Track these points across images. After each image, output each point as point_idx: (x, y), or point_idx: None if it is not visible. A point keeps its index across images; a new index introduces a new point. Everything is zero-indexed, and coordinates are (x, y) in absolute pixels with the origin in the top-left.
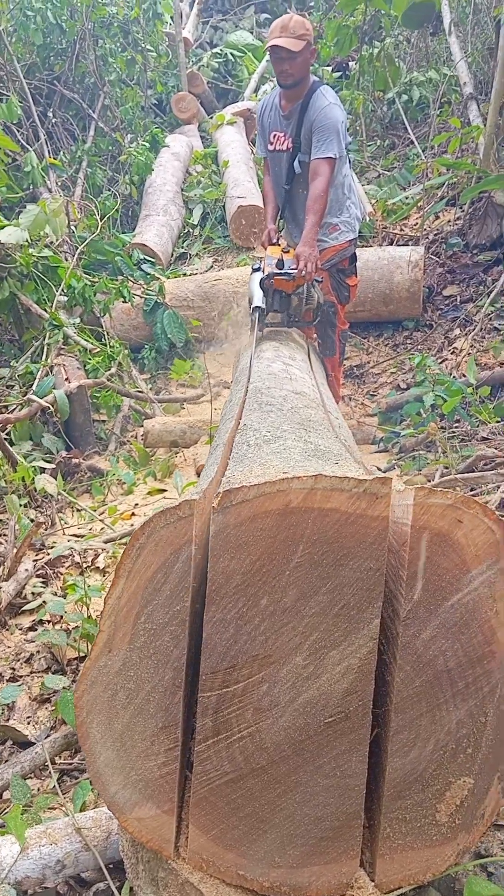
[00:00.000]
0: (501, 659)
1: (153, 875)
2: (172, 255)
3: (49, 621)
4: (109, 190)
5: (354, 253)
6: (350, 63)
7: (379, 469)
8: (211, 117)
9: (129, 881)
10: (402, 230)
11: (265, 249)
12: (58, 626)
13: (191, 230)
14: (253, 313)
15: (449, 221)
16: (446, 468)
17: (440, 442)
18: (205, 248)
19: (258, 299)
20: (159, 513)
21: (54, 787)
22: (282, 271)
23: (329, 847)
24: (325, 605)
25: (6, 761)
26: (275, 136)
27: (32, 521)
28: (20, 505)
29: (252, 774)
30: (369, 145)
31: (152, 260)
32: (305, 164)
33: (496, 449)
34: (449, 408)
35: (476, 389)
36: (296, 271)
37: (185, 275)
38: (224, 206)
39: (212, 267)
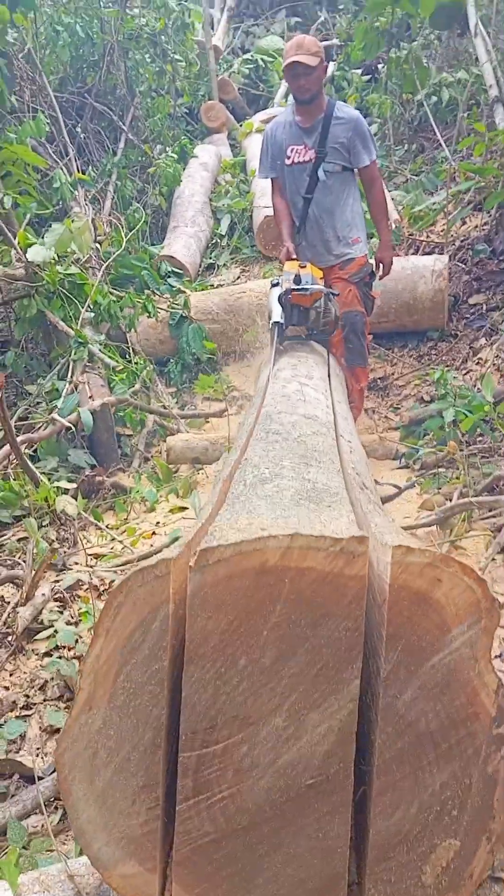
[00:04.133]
0: (485, 721)
1: None
2: (200, 265)
3: (64, 647)
4: (138, 202)
5: (373, 268)
6: (379, 66)
7: (397, 487)
8: (241, 125)
9: None
10: (427, 237)
11: (283, 264)
12: (71, 653)
13: (218, 240)
14: (272, 329)
15: (476, 227)
16: (465, 487)
17: (459, 460)
18: (232, 259)
19: (277, 314)
20: (136, 571)
21: (49, 830)
22: (299, 287)
23: None
24: (303, 665)
25: (12, 796)
26: (293, 149)
27: (52, 542)
28: (42, 525)
29: (234, 835)
30: (397, 149)
31: (180, 272)
32: (330, 173)
33: None
34: (468, 426)
35: (494, 406)
36: (313, 287)
37: (212, 286)
38: (251, 216)
39: (239, 277)
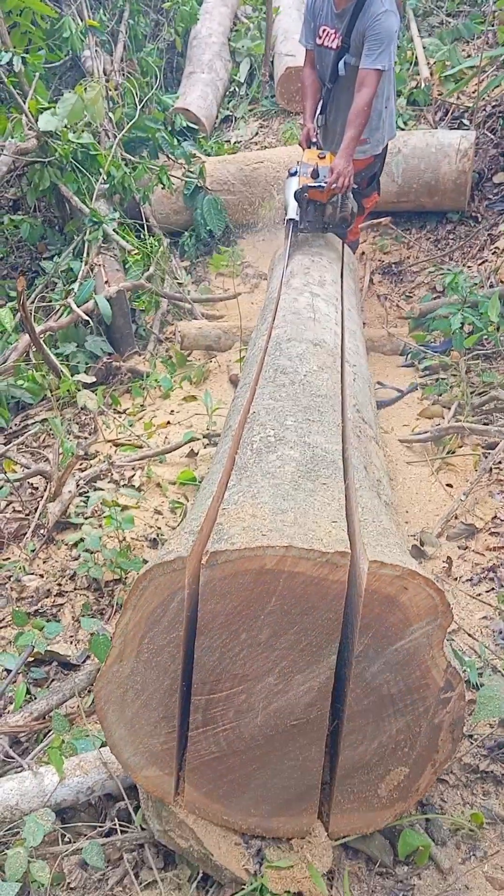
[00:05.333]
0: (434, 689)
1: (158, 812)
2: (217, 117)
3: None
4: (152, 43)
5: (378, 170)
6: None
7: (399, 391)
8: None
9: (143, 810)
10: (458, 98)
11: (303, 150)
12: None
13: (237, 89)
14: (287, 224)
15: None
16: (462, 401)
17: (459, 376)
18: (251, 111)
19: (292, 211)
20: (158, 564)
21: (83, 715)
22: (315, 183)
23: (293, 805)
24: (292, 642)
25: (53, 680)
26: (324, 30)
27: (73, 434)
28: (63, 410)
29: (233, 754)
30: None
31: (195, 126)
32: (351, 67)
33: None
34: (472, 342)
35: (498, 329)
36: (328, 183)
37: (228, 142)
38: (273, 62)
39: (257, 133)
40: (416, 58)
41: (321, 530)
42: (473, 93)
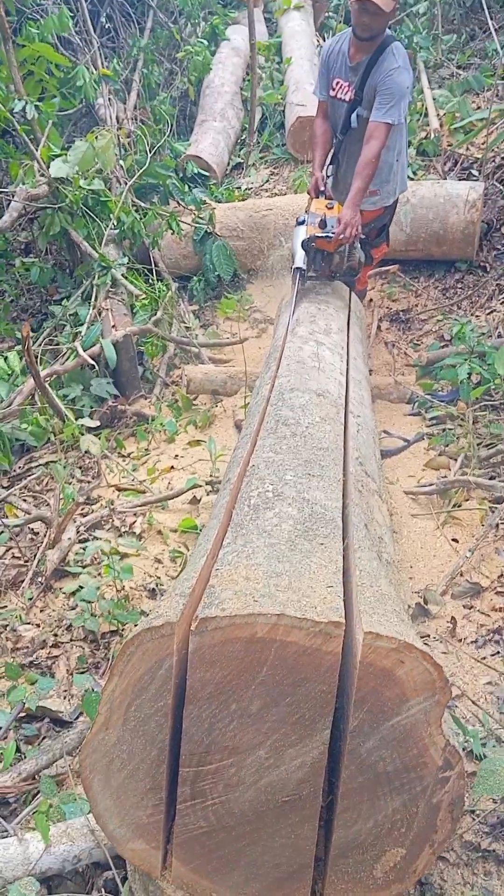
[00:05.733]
0: (433, 768)
1: (145, 886)
2: (228, 164)
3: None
4: (165, 92)
5: (388, 222)
6: None
7: (406, 440)
8: None
9: (130, 882)
10: (467, 149)
11: (310, 199)
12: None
13: (248, 137)
14: (294, 273)
15: None
16: (468, 453)
17: (466, 427)
18: (262, 158)
19: (300, 259)
20: (146, 629)
21: (71, 779)
22: (323, 233)
23: (285, 884)
24: (284, 714)
25: (44, 738)
26: (338, 83)
27: (75, 478)
28: (66, 453)
29: (222, 830)
30: (445, 38)
31: (207, 173)
32: (363, 120)
33: None
34: (479, 394)
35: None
36: (335, 233)
37: (239, 189)
38: (284, 111)
39: (268, 180)
40: (427, 109)
41: (316, 596)
42: (483, 144)
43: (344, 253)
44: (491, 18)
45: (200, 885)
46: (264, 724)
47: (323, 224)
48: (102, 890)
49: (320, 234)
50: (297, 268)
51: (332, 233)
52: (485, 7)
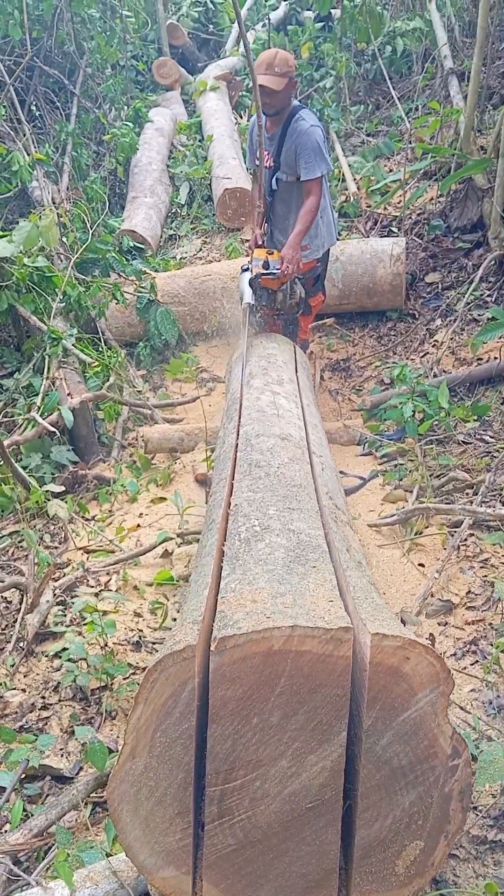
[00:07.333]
0: (443, 757)
1: None
2: (161, 237)
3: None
4: (95, 170)
5: (321, 273)
6: (332, 11)
7: (361, 478)
8: (194, 79)
9: None
10: (385, 209)
11: (252, 251)
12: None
13: (178, 209)
14: (244, 309)
15: (432, 199)
16: (423, 483)
17: (417, 462)
18: (193, 229)
19: (248, 296)
20: (168, 655)
21: (88, 826)
22: (267, 271)
23: (313, 893)
24: (303, 722)
25: (47, 795)
26: (262, 152)
27: (44, 542)
28: (32, 520)
29: (250, 845)
30: (353, 109)
31: (142, 246)
32: (283, 183)
33: (466, 471)
34: (425, 429)
35: (448, 414)
36: (279, 271)
37: (174, 259)
38: (210, 185)
39: (201, 249)
40: (343, 175)
41: (321, 609)
42: (399, 203)
43: (286, 291)
44: (393, 88)
45: None
46: (285, 733)
47: (266, 265)
48: None
49: (265, 273)
50: (247, 303)
51: (277, 269)
52: (387, 78)
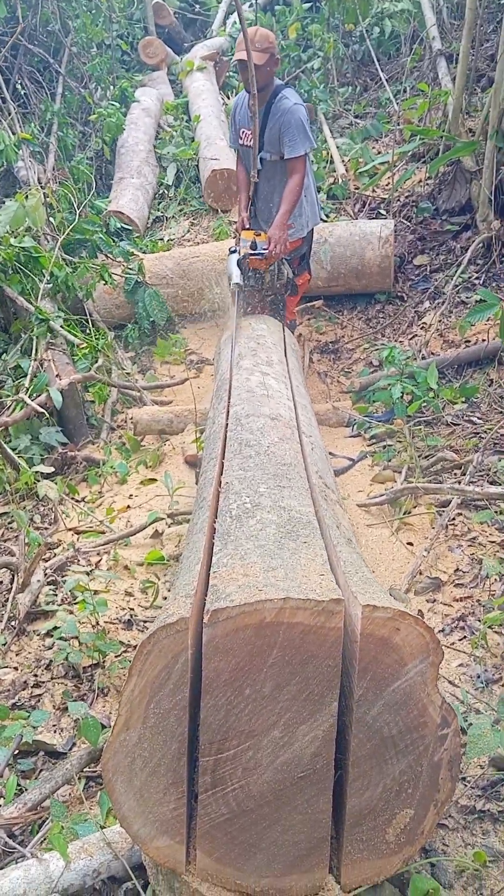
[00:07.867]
0: (432, 726)
1: (170, 884)
2: (149, 218)
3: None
4: (81, 150)
5: (306, 252)
6: None
7: (351, 459)
8: (180, 59)
9: (152, 886)
10: (374, 191)
11: (240, 233)
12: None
13: (165, 191)
14: (232, 289)
15: (420, 182)
16: (411, 462)
17: (405, 441)
18: (181, 210)
19: (237, 277)
20: (161, 627)
21: (83, 800)
22: (255, 252)
23: (305, 861)
24: (295, 693)
25: (41, 770)
26: (244, 132)
27: (34, 523)
28: (22, 501)
29: (243, 814)
30: (341, 91)
31: (129, 227)
32: (267, 162)
33: (455, 451)
34: (414, 409)
35: (437, 395)
36: (267, 251)
37: (162, 240)
38: (198, 165)
39: (189, 231)
40: (332, 157)
41: (312, 582)
42: (387, 185)
43: (274, 271)
44: (381, 70)
45: (224, 874)
46: (277, 704)
47: (254, 246)
48: None
49: (253, 253)
50: (235, 283)
51: (265, 250)
52: (375, 59)
